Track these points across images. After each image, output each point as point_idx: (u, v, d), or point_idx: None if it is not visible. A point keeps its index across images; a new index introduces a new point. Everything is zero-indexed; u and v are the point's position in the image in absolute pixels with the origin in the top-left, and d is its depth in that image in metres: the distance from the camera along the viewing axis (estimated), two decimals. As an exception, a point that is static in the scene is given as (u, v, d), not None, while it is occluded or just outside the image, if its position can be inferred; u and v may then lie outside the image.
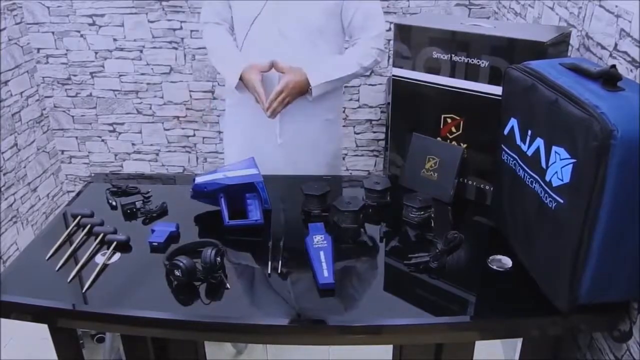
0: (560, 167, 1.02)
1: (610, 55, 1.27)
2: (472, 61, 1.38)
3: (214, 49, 1.79)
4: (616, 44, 1.24)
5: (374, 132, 2.95)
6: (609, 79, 1.01)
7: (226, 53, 1.74)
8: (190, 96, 2.89)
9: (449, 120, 1.48)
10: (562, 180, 1.01)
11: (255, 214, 1.38)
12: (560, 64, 1.15)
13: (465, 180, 1.50)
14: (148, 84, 2.87)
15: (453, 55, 1.40)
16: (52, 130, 3.03)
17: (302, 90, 1.63)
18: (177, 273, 1.15)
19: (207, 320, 1.13)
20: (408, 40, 1.47)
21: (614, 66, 1.02)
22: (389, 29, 2.66)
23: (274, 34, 1.65)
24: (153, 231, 1.35)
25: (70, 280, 1.20)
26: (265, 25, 1.64)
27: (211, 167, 3.03)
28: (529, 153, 1.13)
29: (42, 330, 1.25)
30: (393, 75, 1.53)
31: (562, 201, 1.02)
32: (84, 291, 1.18)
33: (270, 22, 1.64)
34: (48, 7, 2.74)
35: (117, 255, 1.29)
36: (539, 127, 1.10)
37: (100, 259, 1.27)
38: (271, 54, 1.65)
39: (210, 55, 1.83)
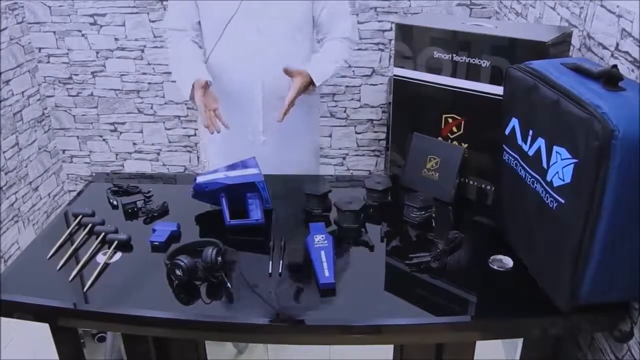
0: (561, 167, 1.02)
1: (612, 55, 1.27)
2: (473, 61, 1.38)
3: (174, 61, 1.77)
4: (617, 44, 1.24)
5: (375, 132, 2.95)
6: (610, 79, 1.01)
7: (183, 65, 1.71)
8: (192, 96, 2.89)
9: (450, 120, 1.48)
10: (563, 180, 1.01)
11: (256, 214, 1.38)
12: (562, 63, 1.15)
13: (466, 180, 1.50)
14: (149, 83, 2.87)
15: (454, 55, 1.40)
16: (53, 130, 3.03)
17: (306, 89, 1.65)
18: (178, 272, 1.15)
19: (208, 320, 1.13)
20: (409, 40, 1.47)
21: (615, 66, 1.02)
22: (390, 29, 2.67)
23: (252, 33, 1.64)
24: (154, 230, 1.35)
25: (72, 280, 1.20)
26: (242, 25, 1.63)
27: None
28: (530, 153, 1.13)
29: (43, 330, 1.25)
30: (394, 75, 1.53)
31: (563, 201, 1.02)
32: (85, 290, 1.18)
33: (248, 21, 1.63)
34: (49, 7, 2.74)
35: (118, 255, 1.29)
36: (540, 127, 1.10)
37: (101, 258, 1.27)
38: (249, 52, 1.65)
39: (170, 67, 1.81)
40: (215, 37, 1.67)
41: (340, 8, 1.74)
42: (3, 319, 1.20)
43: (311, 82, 1.64)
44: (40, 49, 2.83)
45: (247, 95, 1.71)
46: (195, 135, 2.97)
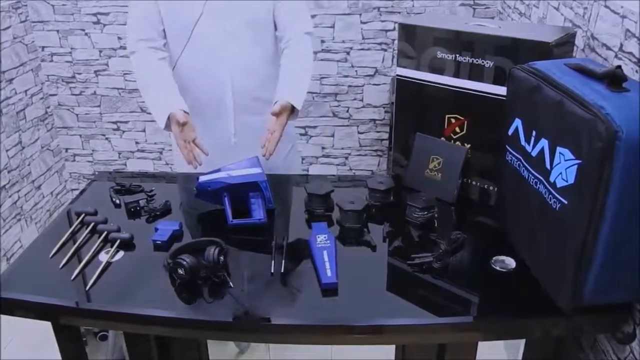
0: (564, 167, 1.01)
1: (616, 56, 1.26)
2: (477, 61, 1.37)
3: (144, 85, 1.69)
4: (621, 45, 1.24)
5: (378, 132, 2.94)
6: (614, 79, 1.01)
7: (156, 94, 1.65)
8: (194, 95, 2.89)
9: (453, 120, 1.48)
10: (566, 181, 1.01)
11: (258, 213, 1.38)
12: (565, 64, 1.14)
13: (469, 181, 1.50)
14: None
15: (457, 55, 1.40)
16: (56, 128, 3.03)
17: (289, 117, 1.62)
18: (180, 272, 1.16)
19: (209, 319, 1.13)
20: (412, 40, 1.47)
21: (619, 67, 1.02)
22: (393, 28, 2.66)
23: (219, 34, 1.62)
24: (156, 229, 1.35)
25: (74, 278, 1.20)
26: (209, 26, 1.60)
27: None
28: (534, 154, 1.13)
29: (45, 328, 1.25)
30: (397, 75, 1.53)
31: (566, 202, 1.02)
32: (87, 289, 1.18)
33: (215, 22, 1.60)
34: (53, 6, 2.74)
35: (121, 254, 1.29)
36: (543, 128, 1.10)
37: (103, 257, 1.27)
38: (217, 54, 1.62)
39: (140, 90, 1.73)
40: (182, 42, 1.63)
41: (298, 4, 1.71)
42: (5, 317, 1.20)
43: (293, 108, 1.61)
44: (43, 47, 2.84)
45: (217, 98, 1.69)
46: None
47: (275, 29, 1.72)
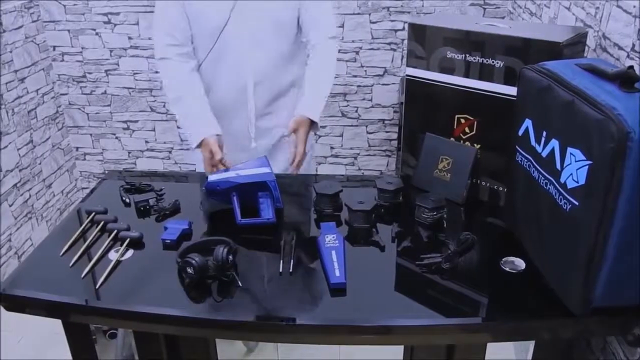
0: (575, 168, 1.01)
1: (628, 56, 1.25)
2: (487, 61, 1.37)
3: (176, 99, 1.68)
4: (634, 45, 1.23)
5: (387, 132, 2.94)
6: (626, 80, 1.00)
7: (189, 110, 1.67)
8: (204, 94, 2.89)
9: (462, 121, 1.47)
10: (577, 182, 1.00)
11: (267, 213, 1.38)
12: (576, 64, 1.14)
13: (479, 181, 1.49)
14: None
15: (467, 55, 1.40)
16: (67, 127, 3.05)
17: (310, 131, 1.67)
18: (189, 270, 1.16)
19: (218, 318, 1.13)
20: (422, 40, 1.46)
21: (631, 67, 1.01)
22: (402, 28, 2.66)
23: (245, 38, 1.61)
24: (166, 228, 1.36)
25: (84, 276, 1.21)
26: (235, 33, 1.60)
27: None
28: (544, 154, 1.12)
29: (56, 326, 1.26)
30: (407, 75, 1.52)
31: (576, 203, 1.01)
32: (97, 287, 1.19)
33: (241, 26, 1.59)
34: (64, 6, 2.76)
35: (130, 252, 1.30)
36: (554, 128, 1.09)
37: (113, 255, 1.28)
38: (241, 58, 1.62)
39: (171, 101, 1.71)
40: (208, 47, 1.63)
41: (324, 7, 1.71)
42: (16, 315, 1.21)
43: (312, 122, 1.65)
44: (54, 47, 2.86)
45: (238, 102, 1.70)
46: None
47: (299, 31, 1.72)
